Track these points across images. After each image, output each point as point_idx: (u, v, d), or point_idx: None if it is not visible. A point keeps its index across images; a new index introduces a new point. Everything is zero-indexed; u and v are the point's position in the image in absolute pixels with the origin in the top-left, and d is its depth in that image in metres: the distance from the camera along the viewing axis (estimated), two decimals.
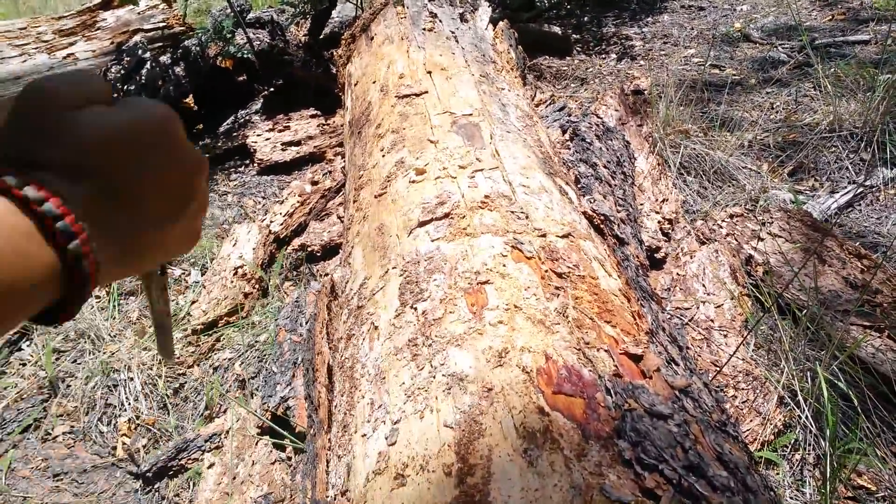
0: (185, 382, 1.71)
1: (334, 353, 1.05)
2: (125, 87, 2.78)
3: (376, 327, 0.91)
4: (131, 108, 0.42)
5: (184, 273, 2.14)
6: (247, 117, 3.14)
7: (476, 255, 0.91)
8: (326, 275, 1.94)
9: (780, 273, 1.63)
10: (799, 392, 1.33)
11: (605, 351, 0.75)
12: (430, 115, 1.35)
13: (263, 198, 2.53)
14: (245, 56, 2.97)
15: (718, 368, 1.39)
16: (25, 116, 0.39)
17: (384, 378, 0.81)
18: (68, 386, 1.71)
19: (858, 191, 2.04)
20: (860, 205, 2.03)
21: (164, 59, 2.93)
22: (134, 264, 0.45)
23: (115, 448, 1.57)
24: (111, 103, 0.42)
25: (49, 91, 0.39)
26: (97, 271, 0.38)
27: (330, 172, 2.45)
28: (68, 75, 0.41)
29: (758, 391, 1.36)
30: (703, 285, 1.63)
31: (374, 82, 1.68)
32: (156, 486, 1.47)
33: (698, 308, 1.57)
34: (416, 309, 0.87)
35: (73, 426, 1.62)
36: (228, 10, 2.93)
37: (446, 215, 1.01)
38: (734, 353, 1.39)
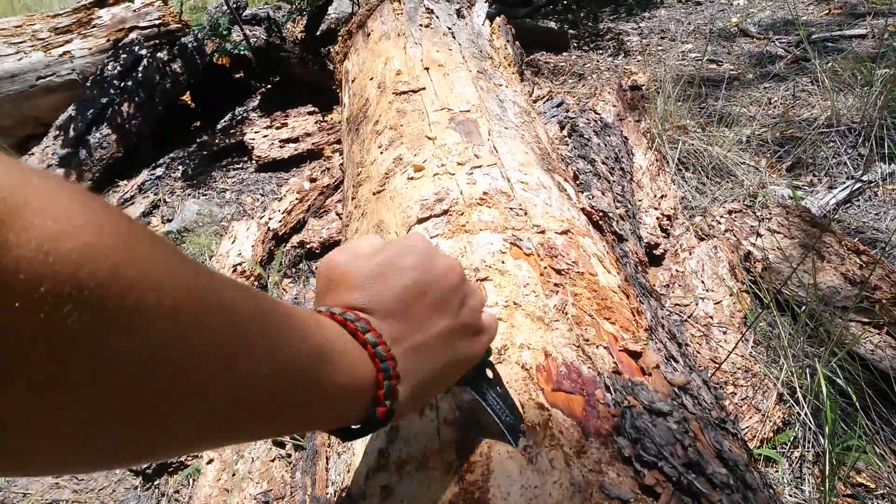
0: None
1: None
2: (122, 84, 2.77)
3: None
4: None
5: None
6: (244, 114, 3.13)
7: (475, 251, 0.90)
8: None
9: (778, 269, 1.63)
10: (798, 389, 1.33)
11: (605, 348, 0.75)
12: (428, 111, 1.35)
13: (262, 195, 2.52)
14: (242, 53, 2.96)
15: (717, 365, 1.39)
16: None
17: None
18: None
19: (856, 186, 2.04)
20: (858, 200, 2.03)
21: (161, 56, 2.92)
22: (418, 401, 0.51)
23: None
24: None
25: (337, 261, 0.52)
26: (395, 399, 0.45)
27: (328, 169, 2.45)
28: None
29: (757, 388, 1.37)
30: (702, 282, 1.63)
31: (371, 79, 1.68)
32: (155, 483, 1.47)
33: (697, 304, 1.57)
34: None
35: None
36: (224, 7, 2.92)
37: (445, 212, 1.01)
38: (733, 349, 1.39)
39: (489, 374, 0.61)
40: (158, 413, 0.30)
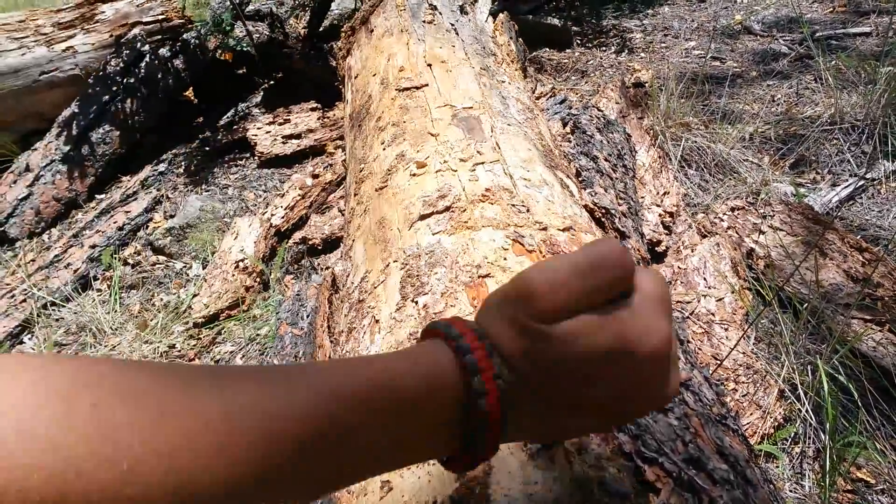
0: None
1: (335, 347, 1.05)
2: (125, 80, 2.77)
3: (377, 321, 0.91)
4: (627, 330, 0.38)
5: (185, 266, 2.14)
6: (247, 110, 3.13)
7: (477, 248, 0.91)
8: (327, 268, 1.95)
9: (781, 266, 1.63)
10: (799, 385, 1.33)
11: None
12: (431, 107, 1.35)
13: (264, 191, 2.53)
14: (244, 49, 2.96)
15: (719, 362, 1.39)
16: (510, 303, 0.39)
17: None
18: None
19: (860, 184, 2.04)
20: (861, 198, 2.03)
21: (164, 52, 2.92)
22: (542, 438, 0.47)
23: None
24: (610, 304, 0.38)
25: (539, 294, 0.37)
26: (499, 439, 0.39)
27: (331, 165, 2.45)
28: (571, 275, 0.38)
29: (758, 384, 1.37)
30: (704, 279, 1.63)
31: (374, 75, 1.68)
32: None
33: (699, 301, 1.57)
34: (417, 303, 0.87)
35: None
36: (227, 3, 2.92)
37: (447, 209, 1.01)
38: (735, 346, 1.39)
39: None
40: None
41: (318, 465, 0.34)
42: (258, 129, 2.76)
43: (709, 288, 1.60)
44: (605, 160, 1.68)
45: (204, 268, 2.09)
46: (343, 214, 2.01)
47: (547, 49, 3.48)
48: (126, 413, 0.27)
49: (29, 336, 1.89)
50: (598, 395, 0.38)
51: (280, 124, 2.77)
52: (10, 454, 0.23)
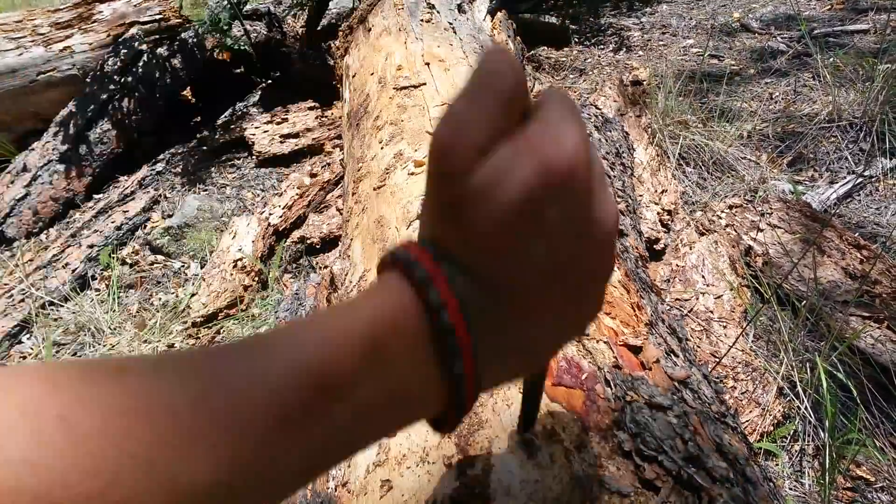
0: None
1: None
2: (122, 79, 2.77)
3: None
4: (540, 144, 0.28)
5: (183, 266, 2.14)
6: (245, 110, 3.13)
7: None
8: (326, 267, 1.94)
9: (779, 264, 1.63)
10: (798, 383, 1.33)
11: (605, 342, 0.75)
12: (429, 106, 1.35)
13: (262, 190, 2.52)
14: (242, 48, 2.96)
15: (718, 359, 1.39)
16: (434, 181, 0.31)
17: None
18: None
19: (858, 181, 2.04)
20: (859, 195, 2.03)
21: (161, 51, 2.91)
22: (514, 375, 0.39)
23: None
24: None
25: (444, 143, 0.29)
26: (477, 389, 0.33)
27: (328, 165, 2.45)
28: (471, 92, 0.30)
29: (757, 382, 1.37)
30: (703, 276, 1.63)
31: (371, 74, 1.68)
32: None
33: (697, 299, 1.57)
34: None
35: None
36: (225, 2, 2.92)
37: None
38: (733, 344, 1.40)
39: None
40: None
41: (299, 438, 0.29)
42: (256, 128, 2.76)
43: (707, 285, 1.60)
44: (604, 158, 1.68)
45: (202, 267, 2.09)
46: (341, 213, 2.01)
47: (545, 47, 3.47)
48: (91, 419, 0.25)
49: (27, 336, 1.88)
50: (546, 260, 0.30)
51: (278, 123, 2.76)
52: None
